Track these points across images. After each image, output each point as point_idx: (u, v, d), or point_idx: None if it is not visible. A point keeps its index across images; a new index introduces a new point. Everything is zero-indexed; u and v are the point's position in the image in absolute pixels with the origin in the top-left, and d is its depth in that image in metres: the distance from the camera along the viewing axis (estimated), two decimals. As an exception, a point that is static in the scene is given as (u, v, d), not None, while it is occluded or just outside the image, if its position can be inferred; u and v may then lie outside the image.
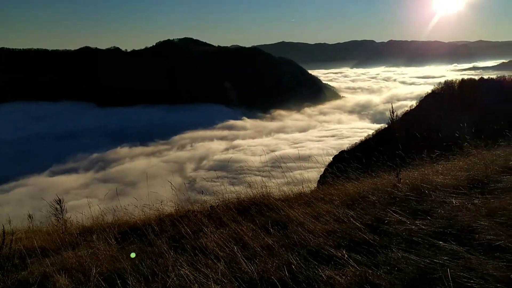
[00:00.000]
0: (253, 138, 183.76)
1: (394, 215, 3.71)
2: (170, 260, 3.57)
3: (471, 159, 5.73)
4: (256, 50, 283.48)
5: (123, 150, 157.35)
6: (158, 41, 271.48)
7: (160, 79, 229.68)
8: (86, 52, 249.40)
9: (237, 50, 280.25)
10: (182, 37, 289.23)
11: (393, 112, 4.93)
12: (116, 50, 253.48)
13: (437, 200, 3.97)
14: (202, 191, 6.30)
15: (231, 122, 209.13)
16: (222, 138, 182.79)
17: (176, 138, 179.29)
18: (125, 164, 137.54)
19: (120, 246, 4.38)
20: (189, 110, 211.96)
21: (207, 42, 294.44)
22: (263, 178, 6.54)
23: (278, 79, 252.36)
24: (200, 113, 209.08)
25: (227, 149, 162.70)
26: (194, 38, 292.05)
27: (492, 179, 4.41)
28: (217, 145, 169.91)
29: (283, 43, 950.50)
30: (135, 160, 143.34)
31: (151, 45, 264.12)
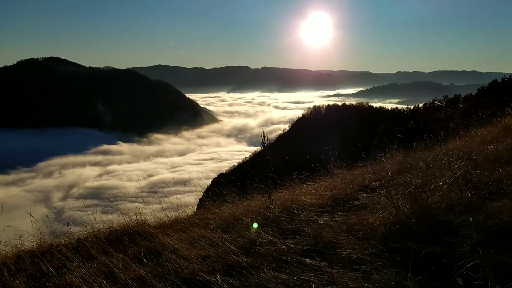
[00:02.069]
0: (129, 163, 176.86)
1: (266, 236, 3.85)
2: (29, 303, 3.22)
3: (334, 179, 6.23)
4: (131, 73, 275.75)
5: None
6: (20, 59, 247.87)
7: (23, 101, 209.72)
8: None
9: (111, 72, 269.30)
10: (48, 56, 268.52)
11: (264, 136, 5.17)
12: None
13: (305, 219, 4.23)
14: (69, 223, 5.83)
15: (105, 146, 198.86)
16: (95, 164, 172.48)
17: (42, 164, 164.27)
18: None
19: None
20: (58, 135, 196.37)
21: (77, 62, 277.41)
22: (139, 205, 6.32)
23: (154, 102, 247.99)
24: (70, 137, 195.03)
25: (100, 175, 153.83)
26: (62, 58, 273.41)
27: (351, 197, 4.84)
28: (90, 171, 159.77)
29: (159, 66, 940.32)
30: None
31: (11, 64, 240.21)
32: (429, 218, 3.40)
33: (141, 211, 5.81)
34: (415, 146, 7.36)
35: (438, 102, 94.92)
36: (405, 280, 2.65)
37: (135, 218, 5.49)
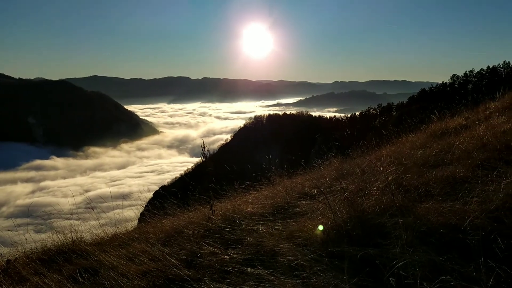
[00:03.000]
0: (64, 178, 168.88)
1: (208, 247, 3.83)
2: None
3: (275, 188, 6.33)
4: (64, 84, 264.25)
5: None
6: None
7: None
8: None
9: (42, 83, 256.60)
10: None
11: (204, 147, 5.17)
12: None
13: (247, 228, 4.26)
14: (-3, 244, 5.48)
15: (38, 162, 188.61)
16: (27, 180, 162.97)
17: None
18: None
19: None
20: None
21: (5, 73, 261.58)
22: (75, 222, 6.06)
23: (90, 114, 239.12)
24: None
25: (33, 192, 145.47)
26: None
27: (291, 204, 4.94)
28: (21, 188, 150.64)
29: (96, 77, 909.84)
30: None
31: None
32: (364, 222, 3.55)
33: (77, 228, 5.57)
34: (351, 153, 7.65)
35: (373, 110, 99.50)
36: (342, 283, 2.74)
37: (70, 236, 5.26)
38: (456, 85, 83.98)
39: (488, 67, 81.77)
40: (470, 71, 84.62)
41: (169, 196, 6.59)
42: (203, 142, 5.13)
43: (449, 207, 3.50)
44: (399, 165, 5.41)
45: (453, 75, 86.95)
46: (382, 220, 3.53)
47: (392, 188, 4.18)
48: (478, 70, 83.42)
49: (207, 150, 5.28)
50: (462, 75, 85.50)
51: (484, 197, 3.56)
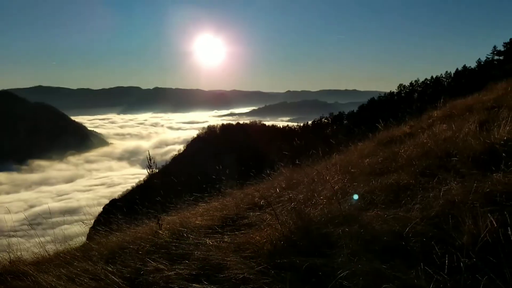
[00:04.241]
0: (8, 193, 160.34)
1: (153, 264, 3.70)
2: None
3: (225, 199, 6.26)
4: (6, 94, 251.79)
5: None
6: None
7: None
8: None
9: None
10: None
11: (150, 159, 5.03)
12: None
13: (194, 242, 4.15)
14: None
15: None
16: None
17: None
18: None
19: None
20: None
21: None
22: (18, 240, 5.72)
23: (35, 126, 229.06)
24: None
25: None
26: None
27: (240, 216, 4.88)
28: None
29: (40, 87, 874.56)
30: None
31: None
32: (311, 231, 3.55)
33: (18, 246, 5.25)
34: (302, 162, 7.72)
35: (325, 119, 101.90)
36: (288, 295, 2.71)
37: (8, 256, 4.94)
38: (403, 94, 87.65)
39: (432, 77, 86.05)
40: (415, 80, 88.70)
41: (115, 211, 6.37)
42: (149, 154, 4.98)
43: (392, 214, 3.57)
44: (346, 174, 5.51)
45: (400, 85, 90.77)
46: (328, 230, 3.54)
47: (338, 196, 4.23)
48: (423, 80, 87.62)
49: (154, 163, 5.13)
50: (408, 84, 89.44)
51: (425, 203, 3.66)
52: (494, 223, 2.70)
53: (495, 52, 79.06)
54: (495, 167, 4.07)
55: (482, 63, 79.44)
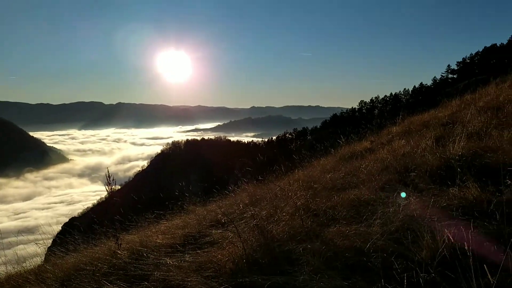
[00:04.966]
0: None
1: (109, 286, 3.55)
2: None
3: (188, 216, 6.14)
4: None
5: None
6: None
7: None
8: None
9: None
10: None
11: (109, 177, 4.87)
12: None
13: (154, 262, 4.02)
14: None
15: None
16: None
17: None
18: None
19: None
20: None
21: None
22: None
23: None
24: None
25: None
26: None
27: (203, 233, 4.79)
28: None
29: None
30: None
31: None
32: (273, 249, 3.51)
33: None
34: (266, 178, 7.71)
35: (289, 135, 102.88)
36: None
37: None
38: (364, 110, 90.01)
39: (391, 93, 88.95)
40: (376, 97, 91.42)
41: (72, 230, 6.13)
42: (108, 171, 4.82)
43: (354, 230, 3.58)
44: (309, 189, 5.52)
45: (361, 101, 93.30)
46: (291, 246, 3.52)
47: (301, 213, 4.22)
48: (383, 96, 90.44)
49: (113, 180, 4.97)
50: (369, 101, 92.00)
51: (386, 218, 3.70)
52: (451, 238, 2.75)
53: (449, 71, 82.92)
54: (451, 182, 4.19)
55: (437, 81, 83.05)
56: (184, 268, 3.68)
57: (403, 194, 4.21)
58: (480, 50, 79.78)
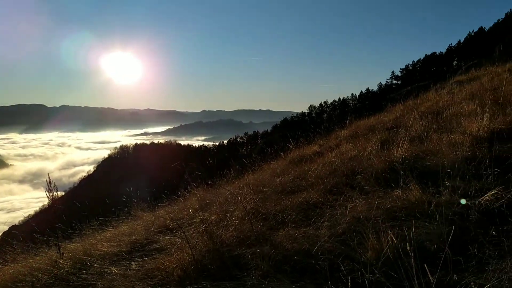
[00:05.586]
0: None
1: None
2: None
3: (135, 222, 5.96)
4: None
5: None
6: None
7: None
8: None
9: None
10: None
11: (50, 183, 4.64)
12: None
13: (99, 271, 3.87)
14: None
15: None
16: None
17: None
18: None
19: None
20: None
21: None
22: None
23: None
24: None
25: None
26: None
27: (150, 240, 4.67)
28: None
29: None
30: None
31: None
32: (222, 254, 3.47)
33: None
34: (216, 182, 7.64)
35: (240, 139, 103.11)
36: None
37: None
38: (313, 115, 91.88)
39: (339, 98, 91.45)
40: (325, 102, 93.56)
41: (11, 240, 5.78)
42: (49, 177, 4.60)
43: (302, 233, 3.61)
44: (259, 193, 5.53)
45: (311, 105, 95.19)
46: (240, 251, 3.49)
47: (251, 217, 4.20)
48: (332, 101, 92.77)
49: (55, 186, 4.74)
50: (318, 105, 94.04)
51: (333, 221, 3.76)
52: (394, 238, 2.83)
53: (393, 77, 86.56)
54: (395, 184, 4.33)
55: (383, 86, 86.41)
56: (130, 277, 3.56)
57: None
58: (422, 58, 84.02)
